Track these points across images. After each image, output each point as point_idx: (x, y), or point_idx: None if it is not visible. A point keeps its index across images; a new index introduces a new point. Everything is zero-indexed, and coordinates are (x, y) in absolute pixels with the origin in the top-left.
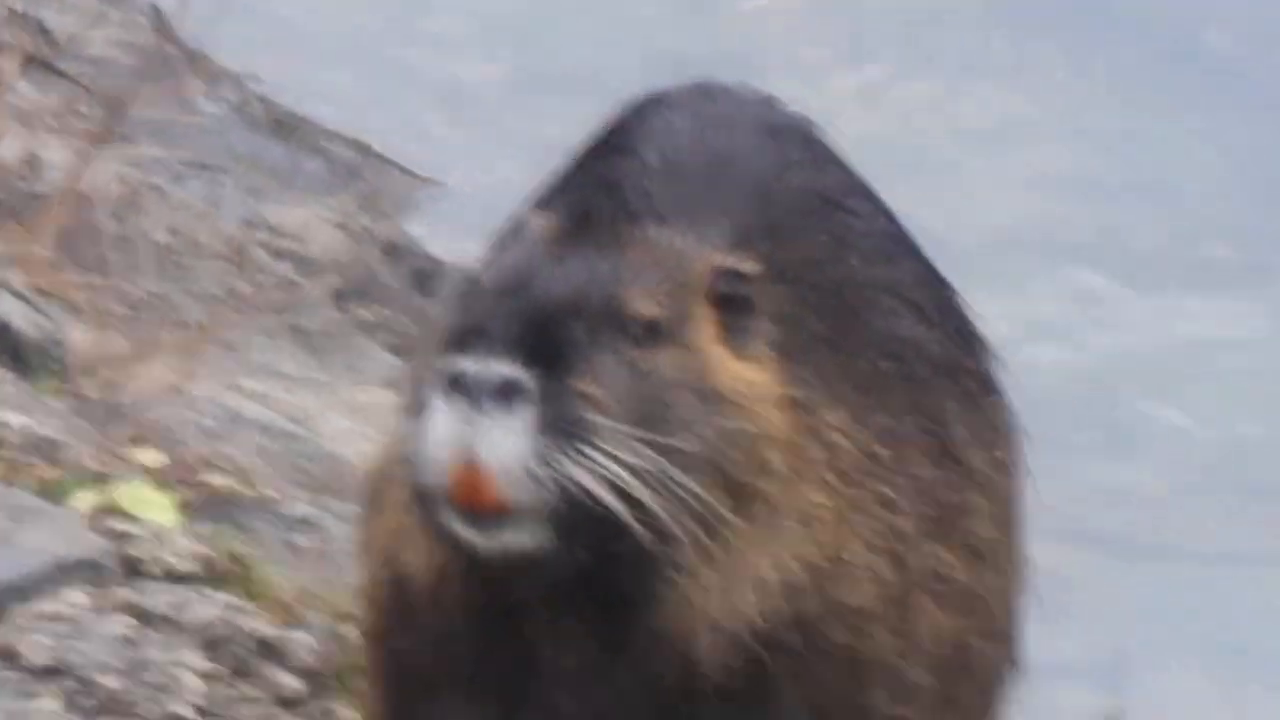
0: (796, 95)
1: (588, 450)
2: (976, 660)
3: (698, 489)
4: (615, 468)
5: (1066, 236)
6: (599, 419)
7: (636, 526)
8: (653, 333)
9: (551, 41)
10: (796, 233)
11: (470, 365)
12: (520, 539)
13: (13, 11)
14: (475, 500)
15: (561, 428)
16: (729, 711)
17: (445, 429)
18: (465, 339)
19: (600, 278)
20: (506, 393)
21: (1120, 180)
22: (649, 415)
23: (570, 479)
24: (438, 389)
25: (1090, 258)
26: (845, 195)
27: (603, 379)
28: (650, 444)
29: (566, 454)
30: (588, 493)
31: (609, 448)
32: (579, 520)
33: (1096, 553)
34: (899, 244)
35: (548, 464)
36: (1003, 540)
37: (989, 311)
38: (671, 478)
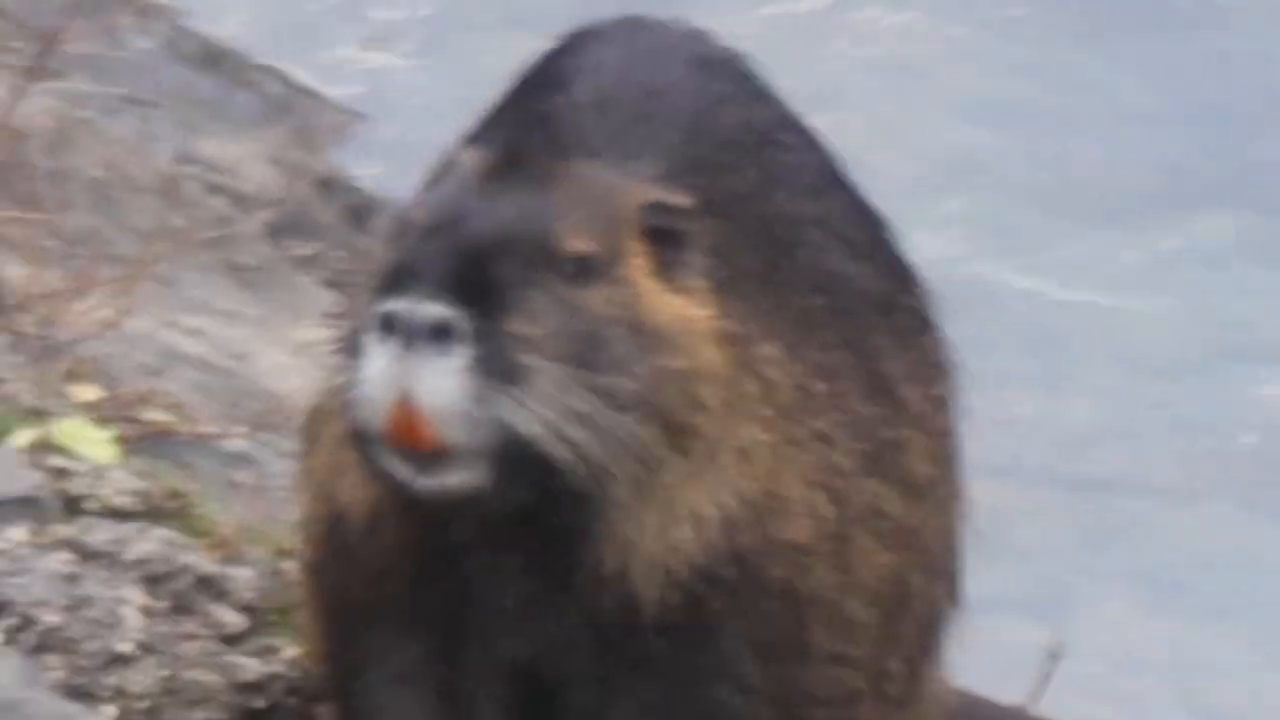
0: (727, 28)
1: (522, 391)
2: (916, 595)
3: (632, 428)
4: (548, 410)
5: (995, 162)
6: (533, 359)
7: (571, 466)
8: (585, 269)
9: None
10: (728, 167)
11: (403, 306)
12: (458, 479)
13: None
14: (411, 441)
15: (496, 368)
16: (669, 647)
17: (380, 370)
18: (398, 279)
19: (532, 215)
20: (440, 334)
21: (1051, 109)
22: (583, 354)
23: (505, 420)
24: (372, 330)
25: (1024, 189)
26: (776, 129)
27: (536, 318)
28: (584, 384)
29: (501, 395)
30: (522, 434)
31: (543, 389)
32: (516, 460)
33: (1033, 487)
34: (830, 178)
35: (483, 405)
36: (940, 476)
37: (921, 244)
38: (605, 418)
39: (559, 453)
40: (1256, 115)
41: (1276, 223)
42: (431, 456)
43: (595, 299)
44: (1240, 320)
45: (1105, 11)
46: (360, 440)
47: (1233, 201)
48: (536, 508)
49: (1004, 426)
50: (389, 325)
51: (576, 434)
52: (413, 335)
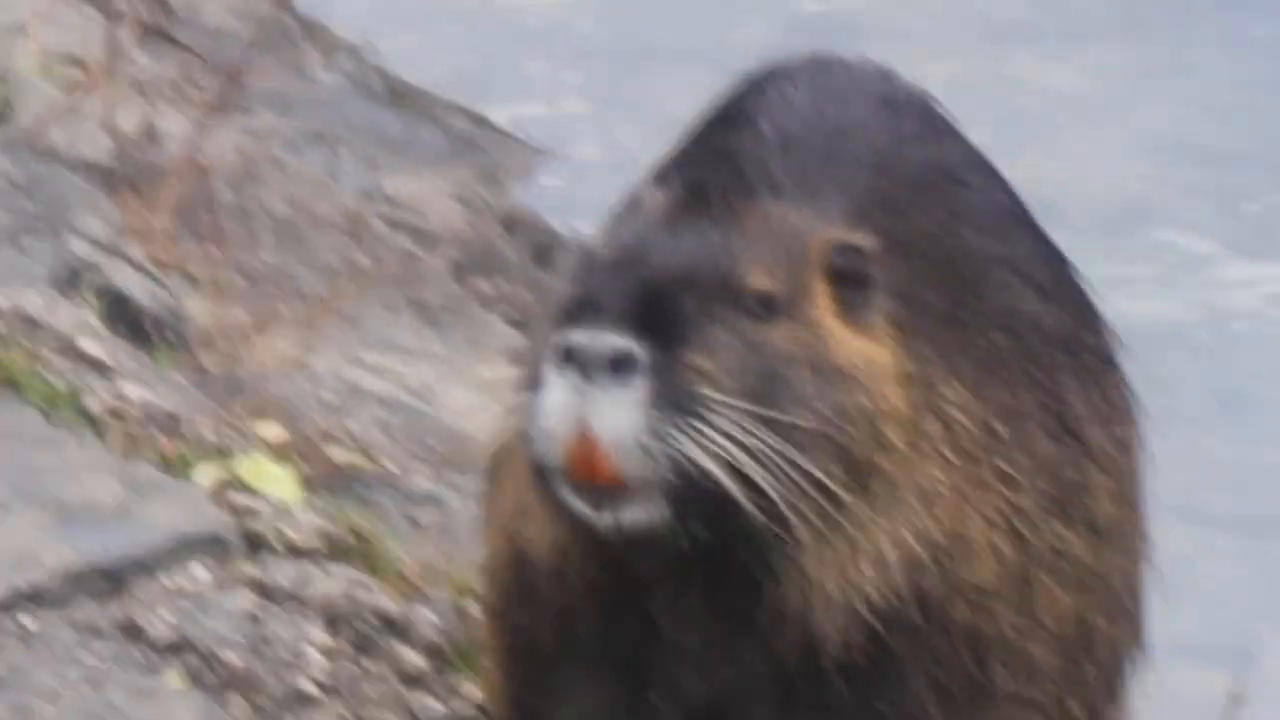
0: (909, 68)
1: (700, 425)
2: (1099, 639)
3: (811, 467)
4: (727, 444)
5: (1176, 202)
6: (712, 393)
7: (748, 504)
8: (768, 307)
9: (673, 12)
10: (913, 207)
11: (582, 338)
12: (636, 515)
13: None
14: (589, 473)
15: (674, 401)
16: (851, 689)
17: (558, 402)
18: (578, 312)
19: (715, 251)
20: (619, 365)
21: (1229, 145)
22: (763, 391)
23: (683, 454)
24: (551, 362)
25: (1200, 223)
26: (962, 169)
27: (716, 353)
28: (763, 420)
29: (679, 428)
30: (700, 468)
31: (721, 423)
32: (694, 495)
33: (1218, 531)
34: (1015, 218)
35: (660, 438)
36: (1124, 518)
37: (1106, 281)
38: (784, 455)
39: (734, 489)
40: None
41: None
42: (611, 491)
43: (777, 336)
44: None
45: None
46: (540, 474)
47: None
48: (718, 546)
49: (1189, 467)
50: (568, 357)
51: (753, 470)
52: (592, 366)
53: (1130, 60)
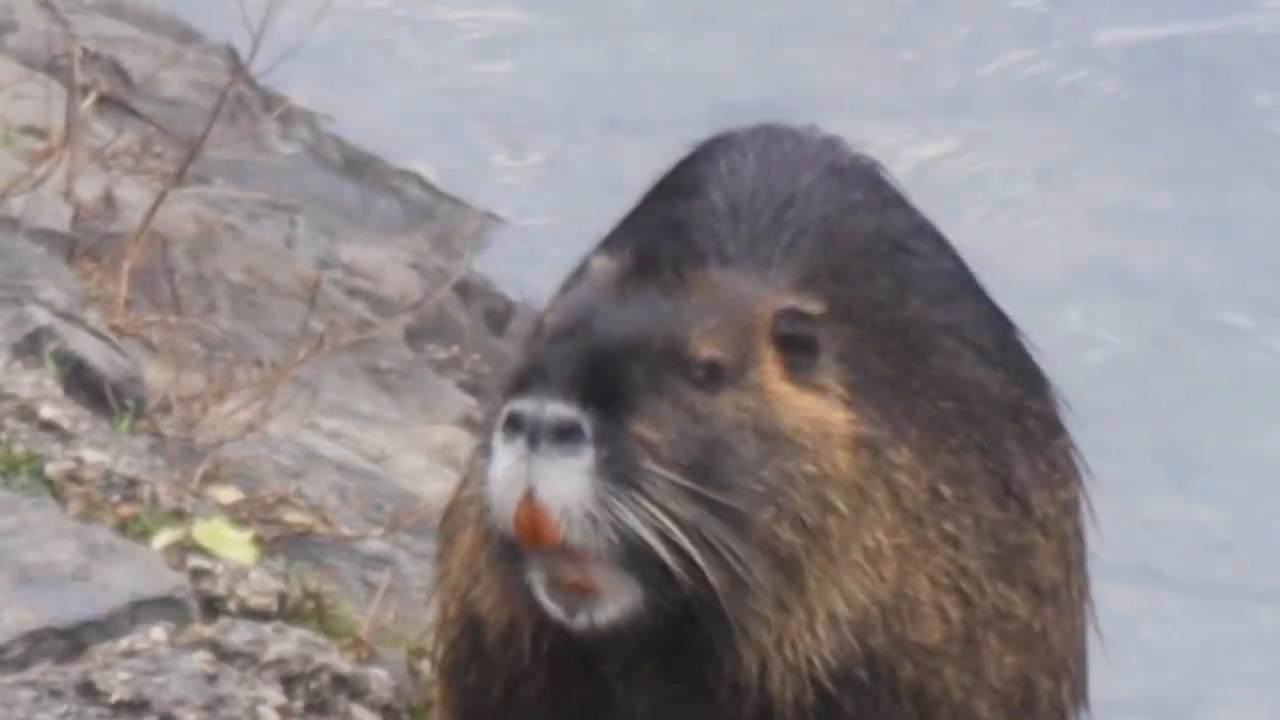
0: (859, 136)
1: (639, 497)
2: (1042, 697)
3: (754, 536)
4: (663, 517)
5: (1127, 270)
6: (653, 466)
7: (685, 575)
8: (716, 376)
9: (625, 83)
10: (860, 274)
11: (529, 406)
12: (610, 615)
13: (87, 51)
14: (535, 539)
15: (619, 472)
16: None
17: (506, 469)
18: (525, 380)
19: (662, 319)
20: (564, 434)
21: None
22: (708, 462)
23: (625, 524)
24: (499, 430)
25: (1152, 292)
26: (909, 236)
27: (661, 423)
28: (703, 491)
29: (621, 499)
30: (639, 538)
31: (660, 496)
32: (644, 565)
33: (1162, 590)
34: (962, 285)
35: (605, 507)
36: (1066, 579)
37: (1051, 348)
38: (722, 526)
39: (671, 561)
40: None
41: None
42: (582, 597)
43: (724, 405)
44: None
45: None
46: (506, 555)
47: None
48: (672, 614)
49: (1133, 529)
50: (515, 425)
51: (685, 543)
52: (538, 435)
53: (1080, 130)
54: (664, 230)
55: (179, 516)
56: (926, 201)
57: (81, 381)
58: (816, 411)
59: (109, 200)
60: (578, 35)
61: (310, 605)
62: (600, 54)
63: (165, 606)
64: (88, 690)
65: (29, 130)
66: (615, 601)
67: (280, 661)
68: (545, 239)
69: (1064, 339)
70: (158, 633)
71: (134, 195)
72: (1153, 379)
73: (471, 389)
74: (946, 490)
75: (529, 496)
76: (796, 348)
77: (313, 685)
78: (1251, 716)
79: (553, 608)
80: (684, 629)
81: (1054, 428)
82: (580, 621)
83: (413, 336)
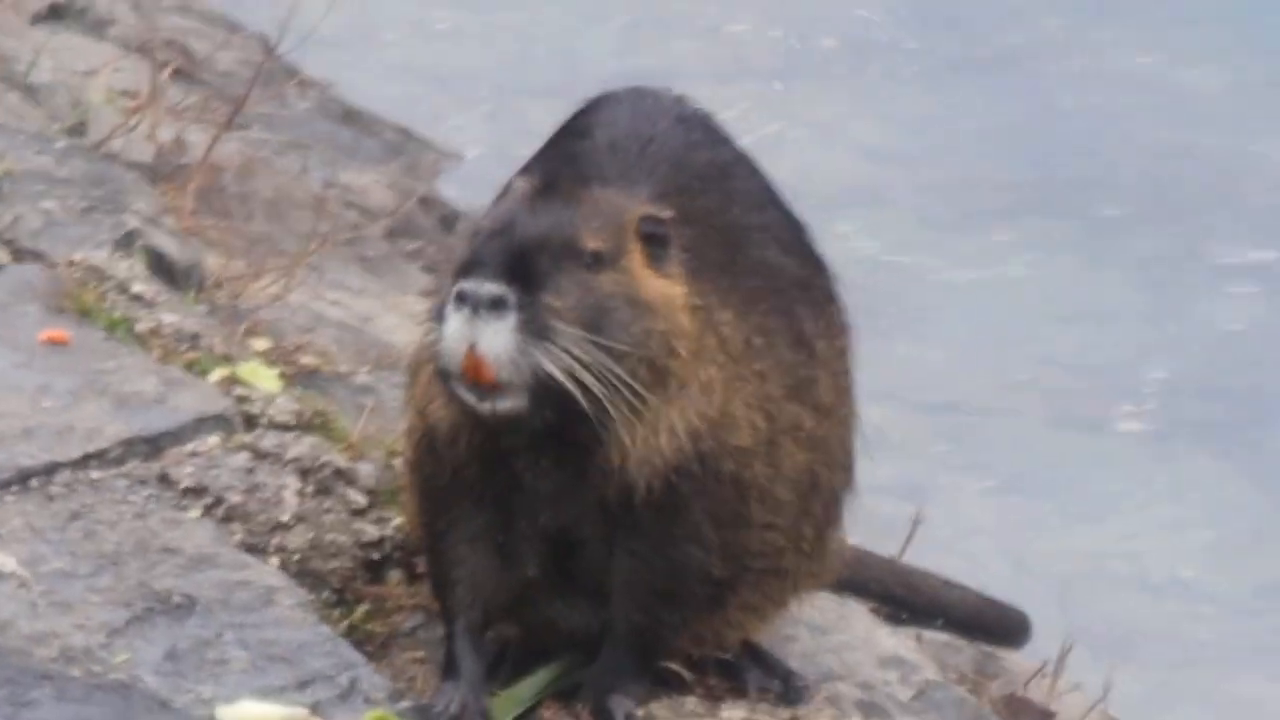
0: (706, 97)
1: (551, 346)
2: (823, 483)
3: (627, 371)
4: (569, 359)
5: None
6: (560, 324)
7: (582, 397)
8: (599, 261)
9: (538, 59)
10: (699, 191)
11: (471, 285)
12: (506, 405)
13: (164, 39)
14: (476, 377)
15: (535, 329)
16: (653, 518)
17: (455, 330)
18: (468, 267)
19: (562, 223)
20: (496, 305)
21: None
22: (596, 321)
23: (540, 365)
24: (450, 302)
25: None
26: (733, 164)
27: (564, 294)
28: (594, 343)
29: (537, 347)
30: (551, 375)
31: (566, 345)
32: (547, 391)
33: (904, 410)
34: (770, 198)
35: (525, 354)
36: (840, 401)
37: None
38: (607, 366)
39: (572, 389)
40: None
41: None
42: (490, 389)
43: (605, 282)
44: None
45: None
46: (443, 377)
47: None
48: (562, 425)
49: (884, 365)
50: (462, 298)
51: (584, 376)
52: (478, 305)
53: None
54: (563, 161)
55: (227, 360)
56: (747, 141)
57: (160, 267)
58: (666, 287)
59: (179, 142)
60: (514, 29)
61: (318, 421)
62: (522, 38)
63: (218, 422)
64: (164, 480)
65: (125, 93)
66: (511, 397)
67: (297, 459)
68: (481, 168)
69: (837, 238)
70: (213, 440)
71: (197, 138)
72: (900, 271)
73: (430, 271)
74: (757, 340)
75: (472, 349)
76: (654, 242)
77: (320, 476)
78: (968, 493)
79: (468, 397)
80: (570, 435)
81: (832, 297)
82: (486, 408)
83: (390, 235)
